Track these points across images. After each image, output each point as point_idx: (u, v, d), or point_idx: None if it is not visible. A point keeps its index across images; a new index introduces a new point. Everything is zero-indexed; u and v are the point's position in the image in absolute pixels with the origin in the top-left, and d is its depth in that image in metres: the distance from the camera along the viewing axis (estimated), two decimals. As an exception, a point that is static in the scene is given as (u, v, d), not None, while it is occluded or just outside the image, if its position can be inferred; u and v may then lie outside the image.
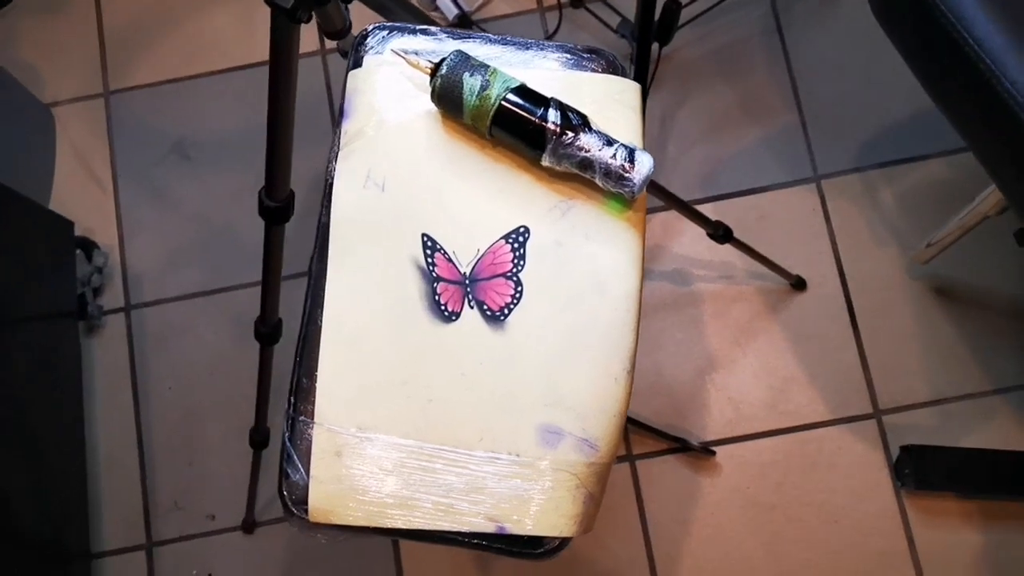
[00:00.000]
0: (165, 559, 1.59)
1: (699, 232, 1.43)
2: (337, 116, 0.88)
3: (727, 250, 1.61)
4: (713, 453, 1.58)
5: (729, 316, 1.64)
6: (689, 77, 1.73)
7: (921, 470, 1.52)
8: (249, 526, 1.58)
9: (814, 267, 1.64)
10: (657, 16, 1.41)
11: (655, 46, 1.50)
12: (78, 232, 1.67)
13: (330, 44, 1.76)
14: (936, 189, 1.66)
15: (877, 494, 1.56)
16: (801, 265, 1.63)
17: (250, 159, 1.73)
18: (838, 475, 1.57)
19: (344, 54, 1.02)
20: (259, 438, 1.40)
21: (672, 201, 1.11)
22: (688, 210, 1.20)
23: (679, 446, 1.57)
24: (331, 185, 0.87)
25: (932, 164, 1.67)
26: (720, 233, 1.39)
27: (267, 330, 1.17)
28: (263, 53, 1.74)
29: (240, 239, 1.70)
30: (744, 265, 1.64)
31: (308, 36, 1.75)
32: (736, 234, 1.34)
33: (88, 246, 1.66)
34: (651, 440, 1.58)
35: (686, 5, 1.45)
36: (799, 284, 1.64)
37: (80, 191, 1.74)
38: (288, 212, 1.09)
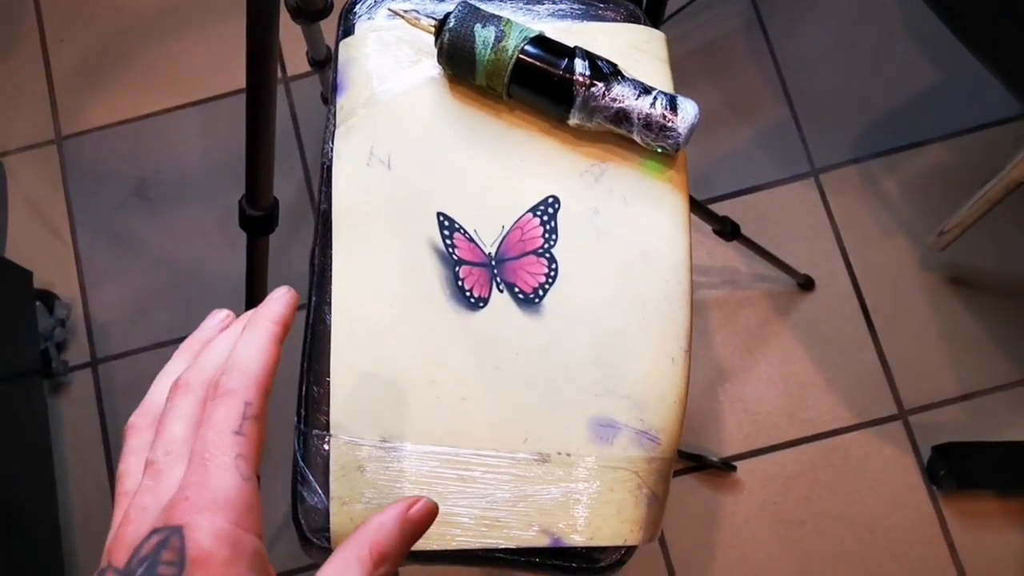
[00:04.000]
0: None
1: (697, 237, 1.35)
2: (330, 93, 0.78)
3: (729, 254, 1.54)
4: (734, 469, 1.49)
5: (737, 322, 1.55)
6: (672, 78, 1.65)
7: (958, 469, 1.43)
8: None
9: (821, 265, 1.57)
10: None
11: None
12: (37, 285, 1.55)
13: (294, 71, 1.67)
14: (940, 175, 1.59)
15: (911, 499, 1.48)
16: (807, 264, 1.55)
17: (213, 195, 1.64)
18: (868, 483, 1.49)
19: (326, 100, 0.91)
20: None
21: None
22: (695, 205, 1.11)
23: (696, 464, 1.49)
24: (329, 168, 0.76)
25: (933, 149, 1.61)
26: (728, 230, 1.32)
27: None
28: (218, 87, 1.68)
29: (210, 279, 1.60)
30: (747, 268, 1.56)
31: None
32: (735, 237, 1.27)
33: (49, 299, 1.55)
34: (667, 459, 1.48)
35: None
36: (807, 284, 1.56)
37: (37, 242, 1.63)
38: (273, 222, 1.00)
